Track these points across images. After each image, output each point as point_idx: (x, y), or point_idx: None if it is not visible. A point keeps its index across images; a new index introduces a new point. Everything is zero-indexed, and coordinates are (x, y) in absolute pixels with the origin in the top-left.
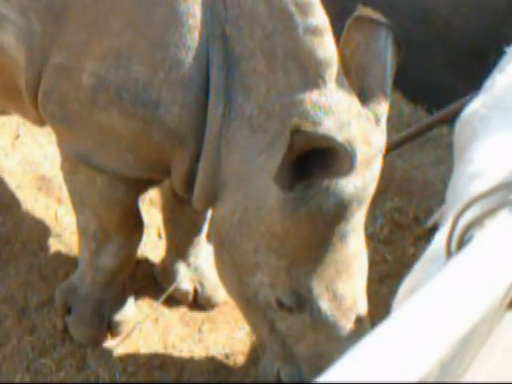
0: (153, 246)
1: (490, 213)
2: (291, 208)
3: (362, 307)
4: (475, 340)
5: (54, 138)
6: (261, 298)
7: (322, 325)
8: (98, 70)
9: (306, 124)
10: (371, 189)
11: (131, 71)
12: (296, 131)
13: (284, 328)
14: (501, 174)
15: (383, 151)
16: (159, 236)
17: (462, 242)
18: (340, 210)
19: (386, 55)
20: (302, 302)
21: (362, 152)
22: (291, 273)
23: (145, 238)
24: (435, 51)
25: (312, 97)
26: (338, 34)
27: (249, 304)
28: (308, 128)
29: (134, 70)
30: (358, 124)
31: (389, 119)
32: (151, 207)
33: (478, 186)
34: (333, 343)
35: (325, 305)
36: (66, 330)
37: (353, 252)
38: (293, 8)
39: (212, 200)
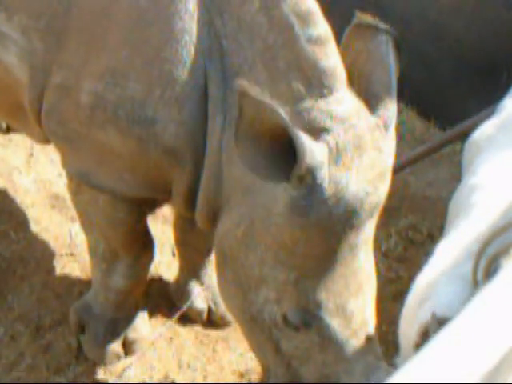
0: (167, 265)
1: None
2: (300, 214)
3: (372, 325)
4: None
5: None
6: (266, 315)
7: (331, 344)
8: (95, 88)
9: (253, 89)
10: (383, 196)
11: (127, 89)
12: (243, 94)
13: (290, 348)
14: (503, 188)
15: (392, 157)
16: (173, 254)
17: (489, 272)
18: (350, 217)
19: (388, 60)
20: (309, 319)
21: (373, 158)
22: (299, 286)
23: (159, 256)
24: (448, 68)
25: (319, 105)
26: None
27: (253, 323)
28: (255, 94)
29: (131, 87)
30: (368, 131)
31: (401, 137)
32: (165, 225)
33: (478, 198)
34: (341, 364)
35: (334, 322)
36: (80, 348)
37: (363, 266)
38: (293, 19)
39: (215, 217)
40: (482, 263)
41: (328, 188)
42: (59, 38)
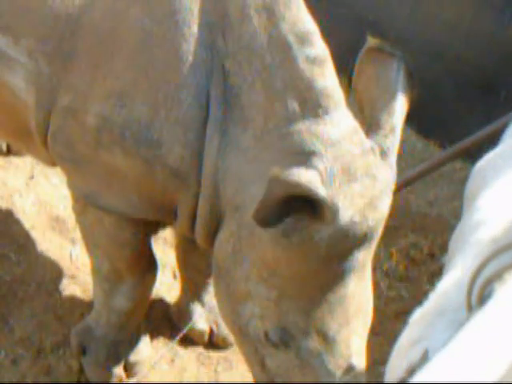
0: (168, 287)
1: (510, 267)
2: (282, 235)
3: (357, 355)
4: None
5: None
6: (251, 330)
7: (309, 367)
8: (101, 111)
9: (285, 173)
10: (376, 227)
11: (134, 111)
12: (274, 180)
13: (273, 366)
14: (503, 223)
15: (392, 187)
16: (174, 276)
17: (483, 297)
18: (334, 244)
19: (396, 87)
20: (287, 340)
21: (364, 185)
22: (280, 306)
23: (160, 278)
24: (447, 86)
25: (311, 127)
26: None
27: (241, 335)
28: (287, 177)
29: (137, 109)
30: (360, 156)
31: (401, 156)
32: (166, 247)
33: (482, 235)
34: None
35: (312, 345)
36: (81, 371)
37: (351, 294)
38: (292, 38)
39: (213, 235)
40: (476, 288)
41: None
42: (66, 61)
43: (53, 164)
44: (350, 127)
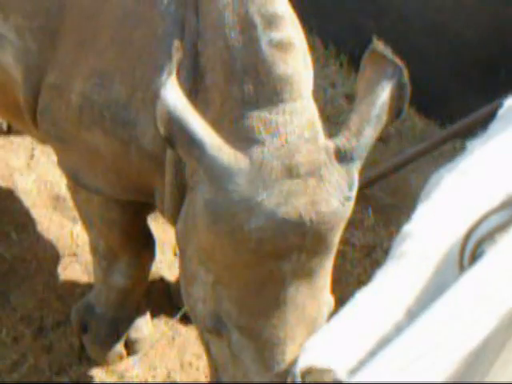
0: (168, 264)
1: (501, 228)
2: (212, 221)
3: (291, 363)
4: (487, 354)
5: None
6: (198, 312)
7: (238, 361)
8: (83, 89)
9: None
10: (320, 231)
11: (112, 91)
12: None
13: (214, 353)
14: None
15: (347, 193)
16: (175, 254)
17: (475, 257)
18: (264, 238)
19: (380, 94)
20: (220, 328)
21: (307, 184)
22: (216, 291)
23: (160, 256)
24: (447, 65)
25: (261, 114)
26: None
27: (192, 317)
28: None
29: (115, 89)
30: (309, 153)
31: (402, 134)
32: (166, 225)
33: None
34: None
35: (242, 340)
36: (82, 348)
37: (291, 300)
38: (257, 20)
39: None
40: (469, 248)
41: (237, 199)
42: (52, 38)
43: (44, 142)
44: (305, 122)
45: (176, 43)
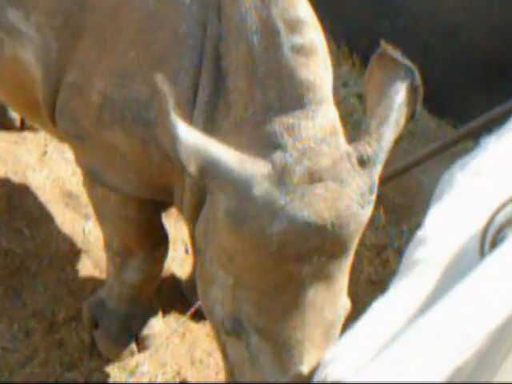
0: (180, 261)
1: None
2: (234, 224)
3: (308, 364)
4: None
5: None
6: (215, 314)
7: (257, 363)
8: (104, 89)
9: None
10: (341, 235)
11: (133, 90)
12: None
13: (231, 355)
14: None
15: (368, 198)
16: (186, 251)
17: (495, 242)
18: (286, 242)
19: (395, 97)
20: (239, 330)
21: (328, 189)
22: (236, 294)
23: (172, 253)
24: (460, 66)
25: (284, 119)
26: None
27: (210, 318)
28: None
29: (136, 89)
30: (331, 159)
31: (414, 134)
32: (178, 222)
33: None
34: None
35: (260, 342)
36: (93, 344)
37: (311, 302)
38: (280, 24)
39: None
40: (489, 235)
41: (260, 204)
42: (73, 37)
43: (62, 139)
44: (327, 126)
45: (159, 77)
